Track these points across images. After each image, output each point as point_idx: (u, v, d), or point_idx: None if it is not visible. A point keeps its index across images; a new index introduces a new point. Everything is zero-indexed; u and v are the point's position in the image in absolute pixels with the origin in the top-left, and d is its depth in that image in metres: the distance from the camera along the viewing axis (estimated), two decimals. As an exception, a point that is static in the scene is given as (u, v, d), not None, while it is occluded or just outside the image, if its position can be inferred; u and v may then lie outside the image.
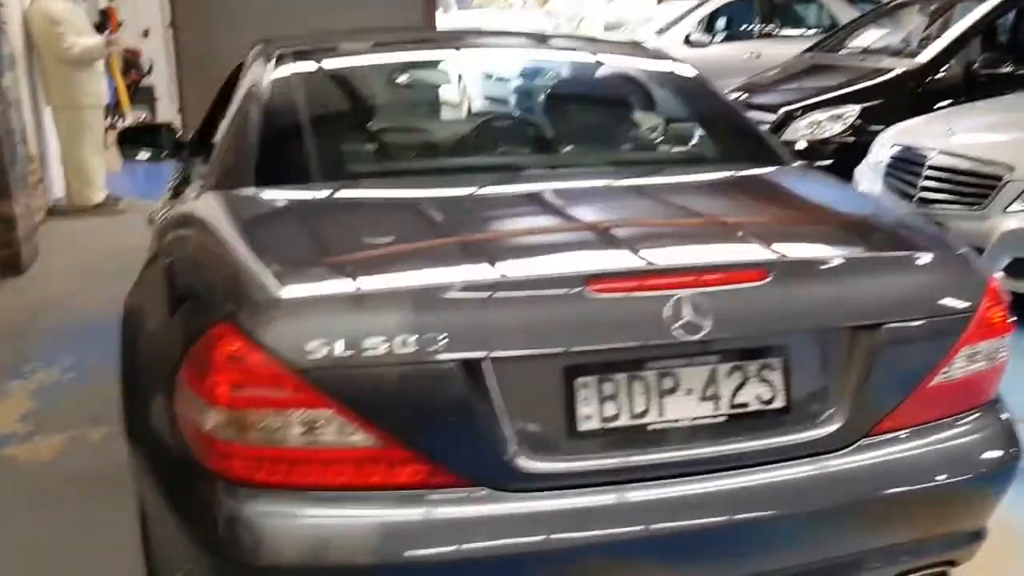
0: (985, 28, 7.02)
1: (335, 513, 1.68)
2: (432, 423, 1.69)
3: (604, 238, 2.04)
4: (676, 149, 2.94)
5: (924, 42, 7.31)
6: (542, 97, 3.28)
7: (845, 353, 1.87)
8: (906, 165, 5.04)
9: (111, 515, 2.97)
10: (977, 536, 2.06)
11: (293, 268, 1.87)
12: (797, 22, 12.03)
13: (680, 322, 1.74)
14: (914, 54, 7.33)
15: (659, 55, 3.31)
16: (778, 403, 1.84)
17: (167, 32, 7.78)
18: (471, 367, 1.67)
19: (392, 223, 2.22)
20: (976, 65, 6.85)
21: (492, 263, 1.86)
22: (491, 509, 1.70)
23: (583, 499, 1.73)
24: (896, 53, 7.47)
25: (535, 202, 2.37)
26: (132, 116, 8.54)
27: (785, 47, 9.38)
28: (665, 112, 3.11)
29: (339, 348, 1.64)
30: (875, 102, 6.58)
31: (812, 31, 11.35)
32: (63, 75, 7.22)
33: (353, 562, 1.66)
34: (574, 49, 3.55)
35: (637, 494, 1.76)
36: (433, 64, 3.40)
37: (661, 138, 2.96)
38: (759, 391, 1.83)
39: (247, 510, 1.67)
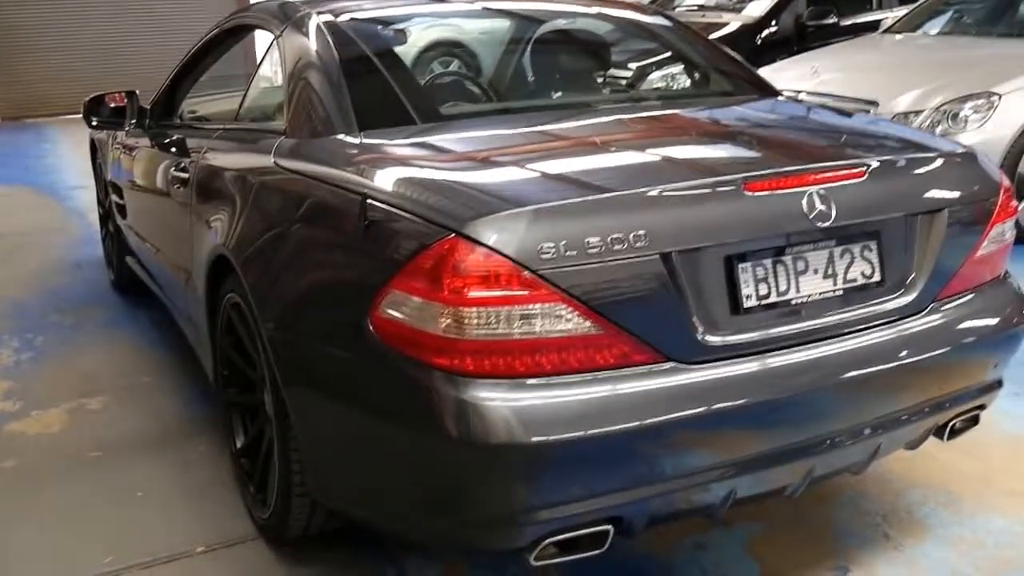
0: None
1: (558, 394, 1.91)
2: (639, 309, 1.96)
3: (739, 150, 2.42)
4: (708, 86, 3.32)
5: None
6: (607, 47, 3.58)
7: (919, 234, 2.29)
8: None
9: (157, 470, 3.06)
10: (999, 384, 2.53)
11: (507, 186, 2.10)
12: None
13: (814, 213, 2.09)
14: (739, 9, 8.01)
15: (660, 12, 3.70)
16: (876, 277, 2.24)
17: None
18: (666, 259, 1.96)
19: (551, 149, 2.48)
20: (804, 18, 7.58)
21: (668, 174, 2.19)
22: (686, 378, 2.00)
23: (753, 364, 2.06)
24: (730, 9, 8.12)
25: (659, 127, 2.71)
26: None
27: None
28: (687, 57, 3.49)
29: (566, 249, 1.88)
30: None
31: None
32: None
33: (578, 434, 1.88)
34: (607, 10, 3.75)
35: (791, 357, 2.10)
36: (489, 12, 3.57)
37: (690, 77, 3.32)
38: (863, 268, 2.21)
39: (476, 396, 1.87)
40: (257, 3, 3.44)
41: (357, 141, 2.46)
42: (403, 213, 2.01)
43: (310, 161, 2.46)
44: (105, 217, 5.02)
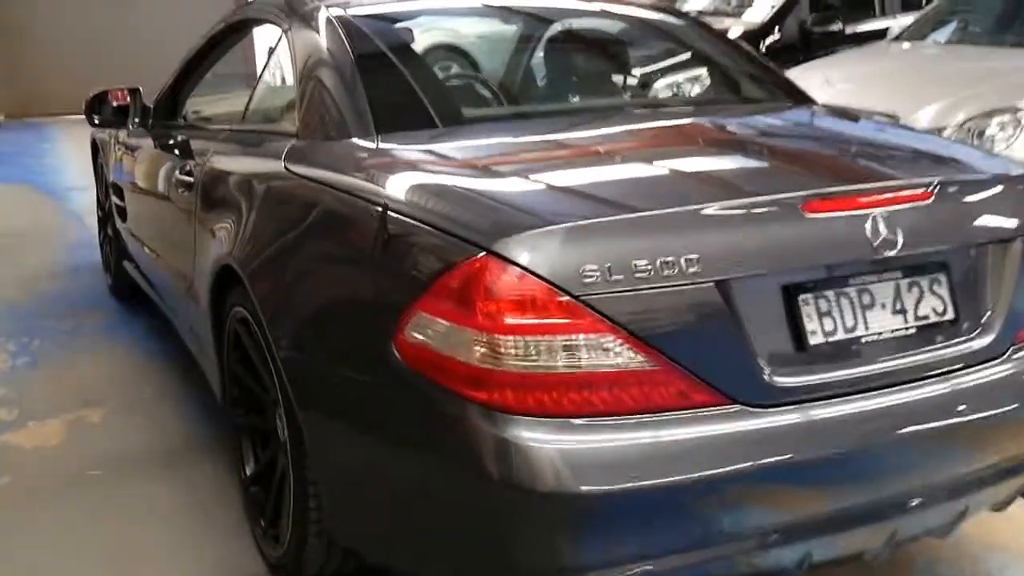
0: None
1: (611, 436, 1.71)
2: (696, 343, 1.78)
3: (790, 165, 2.23)
4: (739, 91, 3.13)
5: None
6: (627, 48, 3.41)
7: (991, 266, 2.07)
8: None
9: (162, 491, 2.91)
10: None
11: (542, 198, 1.95)
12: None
13: (878, 239, 1.89)
14: (739, 14, 7.85)
15: (684, 13, 3.56)
16: (948, 315, 2.02)
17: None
18: (722, 287, 1.78)
19: (585, 157, 2.31)
20: (809, 24, 7.38)
21: (718, 190, 2.00)
22: (757, 424, 1.79)
23: (827, 410, 1.85)
24: (730, 15, 7.95)
25: (698, 136, 2.53)
26: None
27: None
28: (714, 60, 3.29)
29: (611, 272, 1.71)
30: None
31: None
32: None
33: (634, 485, 1.69)
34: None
35: (867, 403, 1.88)
36: (510, 8, 3.40)
37: (719, 81, 3.17)
38: (933, 303, 2.00)
39: (518, 436, 1.69)
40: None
41: (374, 146, 2.31)
42: (427, 227, 1.86)
43: (323, 166, 2.31)
44: (104, 220, 4.87)
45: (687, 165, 2.26)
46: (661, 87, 3.14)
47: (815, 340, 1.88)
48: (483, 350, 1.72)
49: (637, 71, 3.22)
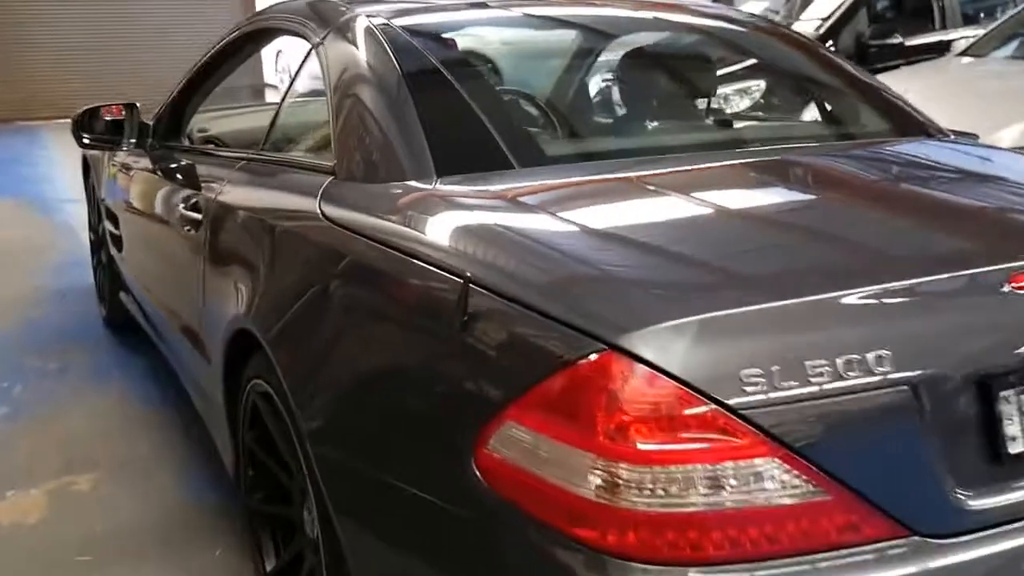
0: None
1: None
2: (875, 461, 1.35)
3: (979, 223, 1.75)
4: (862, 122, 2.60)
5: (803, 11, 7.45)
6: (728, 68, 2.90)
7: None
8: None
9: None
10: None
11: (680, 273, 1.47)
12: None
13: None
14: (789, 25, 7.44)
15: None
16: None
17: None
18: (914, 388, 1.34)
19: (726, 214, 1.80)
20: (867, 37, 7.02)
21: (900, 262, 1.53)
22: (931, 563, 1.35)
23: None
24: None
25: (849, 184, 2.03)
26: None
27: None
28: (825, 84, 2.72)
29: (780, 376, 1.27)
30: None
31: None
32: None
33: None
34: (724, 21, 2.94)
35: None
36: (589, 22, 2.83)
37: (834, 109, 2.66)
38: None
39: None
40: (282, 2, 2.81)
41: (437, 192, 1.84)
42: (525, 309, 1.39)
43: (372, 214, 1.84)
44: (98, 245, 4.40)
45: (850, 226, 1.76)
46: (768, 114, 2.62)
47: (1015, 449, 1.43)
48: (601, 480, 1.27)
49: (740, 96, 2.73)
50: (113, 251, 3.88)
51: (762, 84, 3.38)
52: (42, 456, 3.14)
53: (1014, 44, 6.01)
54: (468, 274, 1.46)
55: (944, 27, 7.44)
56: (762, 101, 3.51)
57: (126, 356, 4.02)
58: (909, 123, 2.51)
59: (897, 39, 6.92)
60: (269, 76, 13.99)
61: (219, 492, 2.85)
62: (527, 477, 1.34)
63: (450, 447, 1.44)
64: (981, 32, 6.37)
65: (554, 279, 1.46)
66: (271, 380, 1.96)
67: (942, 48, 6.64)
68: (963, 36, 6.67)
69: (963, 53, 6.14)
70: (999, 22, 6.32)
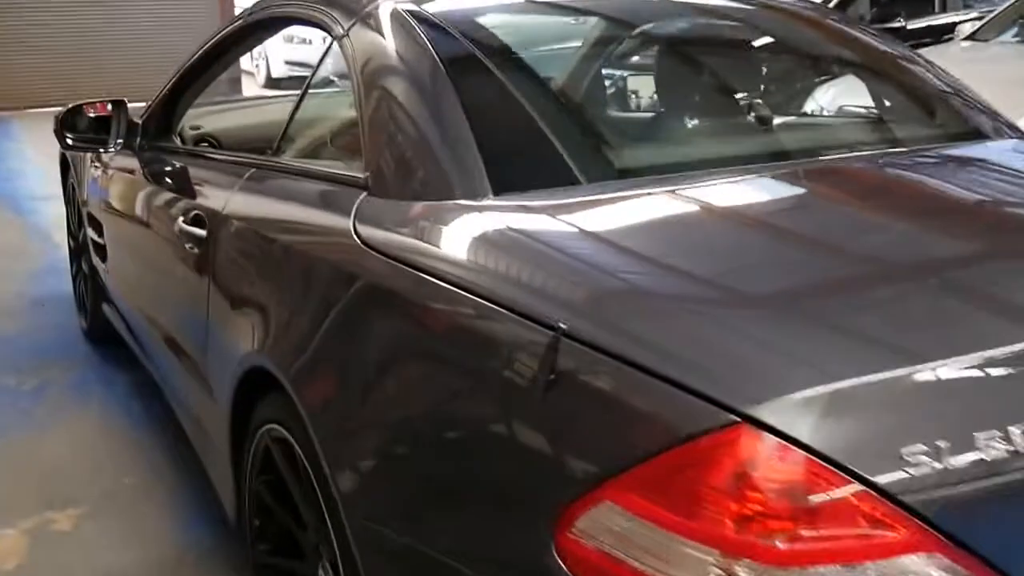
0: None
1: None
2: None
3: None
4: (943, 121, 2.27)
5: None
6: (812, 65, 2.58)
7: None
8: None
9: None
10: None
11: (815, 327, 1.21)
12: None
13: None
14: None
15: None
16: None
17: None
18: None
19: (844, 244, 1.51)
20: (868, 20, 6.99)
21: None
22: None
23: None
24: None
25: (972, 203, 1.75)
26: None
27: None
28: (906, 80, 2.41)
29: (947, 453, 1.03)
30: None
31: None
32: None
33: None
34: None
35: None
36: (653, 25, 2.46)
37: (922, 107, 2.39)
38: None
39: None
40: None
41: (502, 214, 1.57)
42: (627, 368, 1.15)
43: (420, 238, 1.59)
44: (78, 252, 4.10)
45: (1002, 257, 1.49)
46: (864, 116, 2.33)
47: None
48: None
49: (831, 94, 2.44)
50: (96, 261, 3.60)
51: (854, 82, 3.05)
52: (17, 492, 2.87)
53: (1013, 28, 5.92)
54: (561, 324, 1.21)
55: (944, 10, 7.34)
56: (854, 102, 3.21)
57: (109, 372, 3.75)
58: (987, 123, 2.24)
59: (899, 22, 6.83)
60: (244, 63, 13.60)
61: (213, 528, 2.60)
62: (623, 569, 1.10)
63: (524, 527, 1.20)
64: (989, 13, 6.27)
65: (667, 333, 1.21)
66: (291, 425, 1.71)
67: (944, 31, 6.48)
68: (966, 19, 6.53)
69: (969, 37, 6.00)
70: (1006, 5, 6.15)
